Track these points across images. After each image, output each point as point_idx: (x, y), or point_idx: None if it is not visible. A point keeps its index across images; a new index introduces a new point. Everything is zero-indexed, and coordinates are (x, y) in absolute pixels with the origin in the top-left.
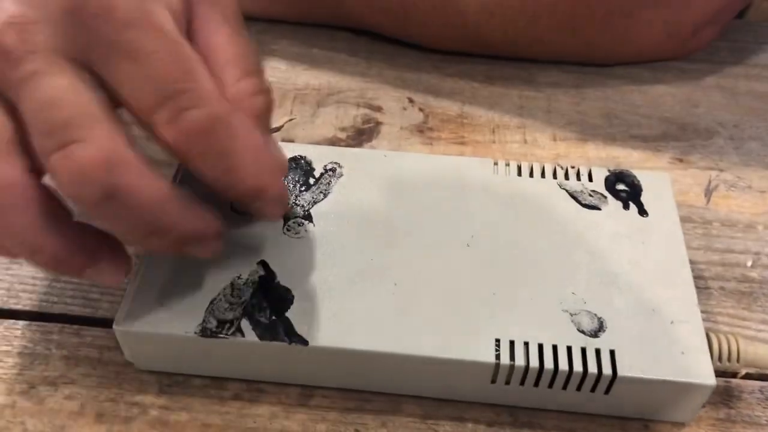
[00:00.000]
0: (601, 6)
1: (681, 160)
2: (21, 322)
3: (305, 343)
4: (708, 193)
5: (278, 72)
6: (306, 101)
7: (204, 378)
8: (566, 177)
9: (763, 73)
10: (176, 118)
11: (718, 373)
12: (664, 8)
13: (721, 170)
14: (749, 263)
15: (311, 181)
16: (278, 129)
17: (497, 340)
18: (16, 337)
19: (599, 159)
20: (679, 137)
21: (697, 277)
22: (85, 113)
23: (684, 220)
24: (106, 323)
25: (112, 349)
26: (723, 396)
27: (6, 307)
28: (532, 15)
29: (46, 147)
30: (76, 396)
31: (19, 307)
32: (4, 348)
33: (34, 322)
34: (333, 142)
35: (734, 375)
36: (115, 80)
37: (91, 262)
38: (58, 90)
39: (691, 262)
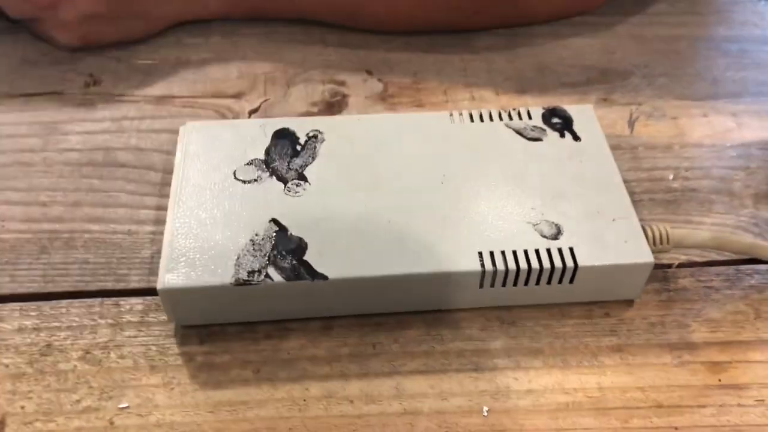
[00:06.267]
0: None
1: (605, 100)
2: (64, 301)
3: (325, 278)
4: (631, 124)
5: (247, 61)
6: (276, 83)
7: (237, 325)
8: (510, 118)
9: (663, 20)
10: None
11: (657, 265)
12: None
13: (640, 104)
14: (671, 177)
15: (298, 147)
16: (257, 110)
17: (480, 252)
18: (62, 314)
19: (536, 106)
20: (601, 81)
21: (630, 192)
22: None
23: (614, 148)
24: (140, 293)
25: (151, 314)
26: (663, 282)
27: (45, 290)
28: None
29: None
30: (127, 355)
31: (57, 289)
32: (54, 324)
33: (75, 300)
34: (307, 116)
35: (669, 266)
36: None
37: None
38: None
39: (624, 181)
